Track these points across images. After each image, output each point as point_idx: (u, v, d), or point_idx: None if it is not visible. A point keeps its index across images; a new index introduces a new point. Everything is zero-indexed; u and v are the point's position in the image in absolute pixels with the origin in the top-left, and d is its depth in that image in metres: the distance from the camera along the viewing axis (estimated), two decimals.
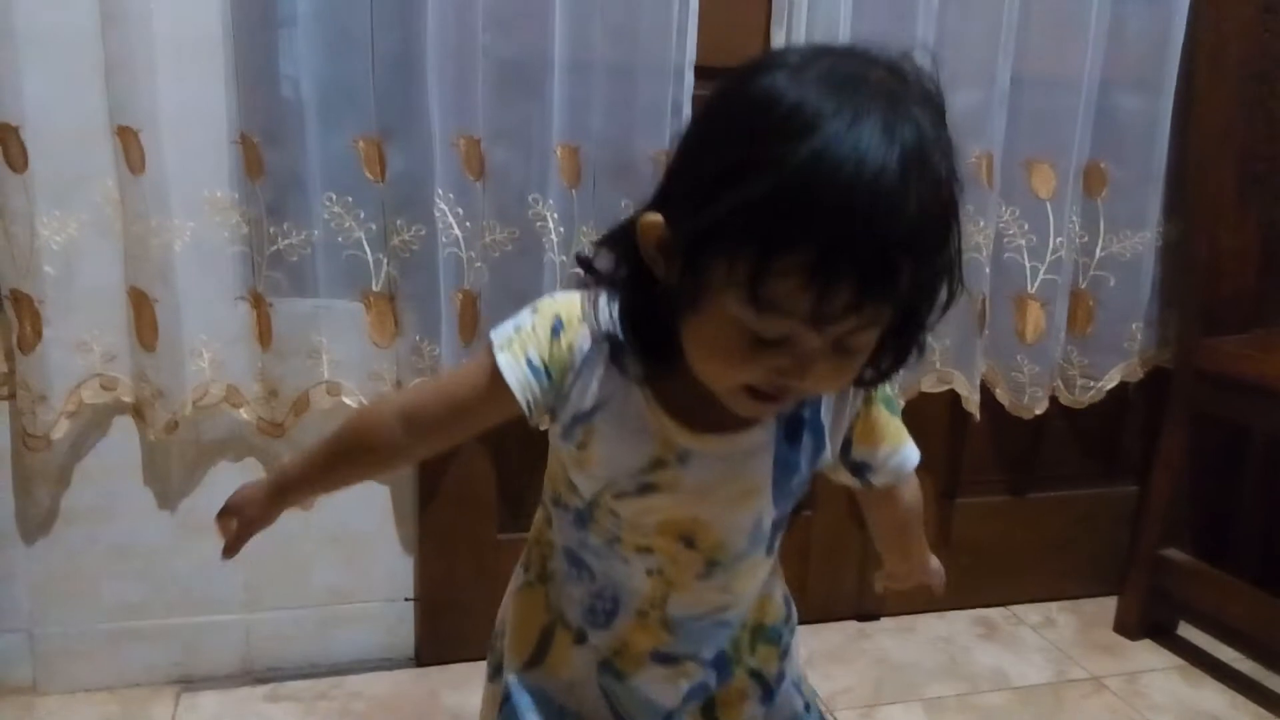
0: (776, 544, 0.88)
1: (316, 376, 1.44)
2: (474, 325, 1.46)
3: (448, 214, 1.40)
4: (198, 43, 1.33)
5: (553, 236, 1.45)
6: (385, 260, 1.43)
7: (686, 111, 1.46)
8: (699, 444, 0.77)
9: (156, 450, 1.46)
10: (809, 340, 0.64)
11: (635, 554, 0.82)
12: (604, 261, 0.74)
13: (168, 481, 1.49)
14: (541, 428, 0.83)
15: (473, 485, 1.59)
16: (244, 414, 1.45)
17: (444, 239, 1.40)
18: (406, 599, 1.62)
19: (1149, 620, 1.80)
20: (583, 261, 0.76)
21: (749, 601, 0.89)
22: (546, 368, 0.77)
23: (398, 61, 1.36)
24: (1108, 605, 1.85)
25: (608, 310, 0.75)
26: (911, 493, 0.92)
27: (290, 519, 1.54)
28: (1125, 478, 1.91)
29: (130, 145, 1.30)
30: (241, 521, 0.92)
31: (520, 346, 0.77)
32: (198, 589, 1.53)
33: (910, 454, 0.87)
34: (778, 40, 1.49)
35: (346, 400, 1.46)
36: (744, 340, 0.64)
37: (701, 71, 1.45)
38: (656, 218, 0.68)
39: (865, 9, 1.49)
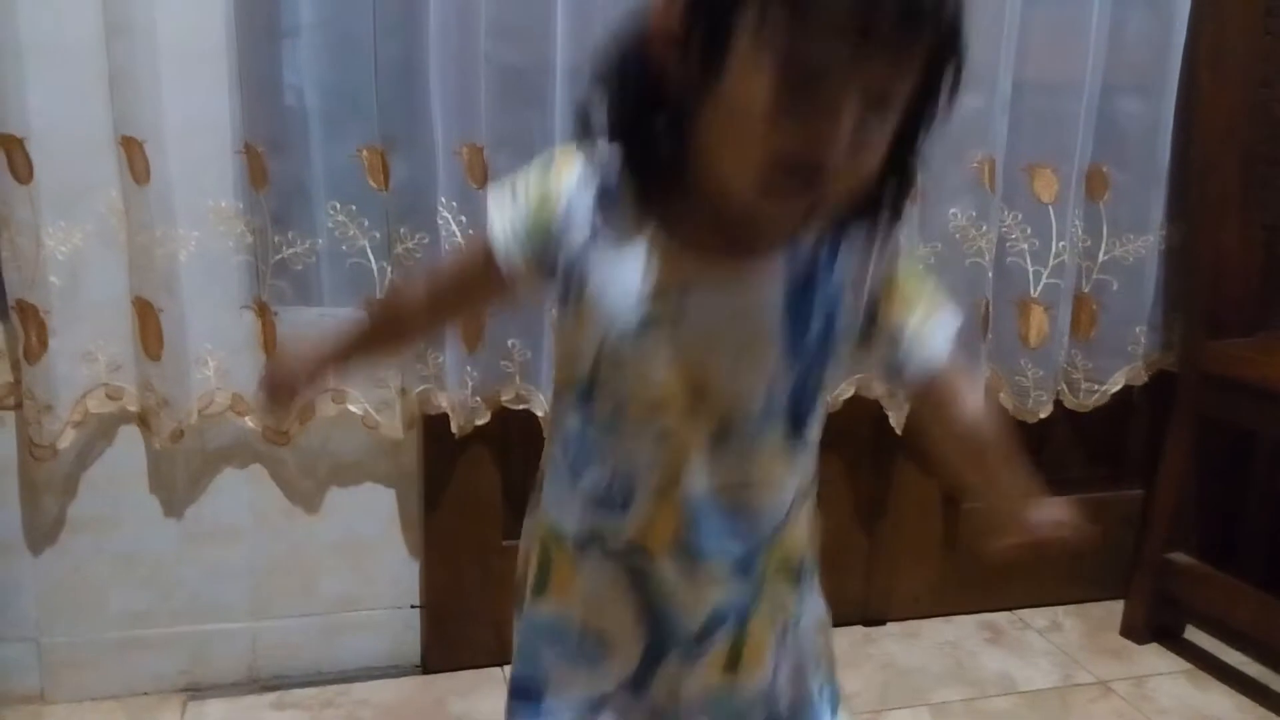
0: (800, 441, 0.82)
1: (322, 384, 1.45)
2: (478, 334, 1.46)
3: (451, 222, 1.40)
4: (202, 53, 1.34)
5: None
6: (389, 268, 1.43)
7: None
8: (702, 269, 0.75)
9: (162, 459, 1.47)
10: (848, 74, 0.63)
11: (644, 417, 0.78)
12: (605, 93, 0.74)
13: (173, 490, 1.49)
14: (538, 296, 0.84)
15: (477, 491, 1.59)
16: (249, 422, 1.45)
17: (447, 246, 1.40)
18: (413, 606, 1.63)
19: (1156, 624, 1.80)
20: (583, 110, 0.76)
21: (775, 502, 0.83)
22: (531, 234, 0.78)
23: (401, 70, 1.37)
24: (1114, 609, 1.85)
25: (605, 146, 0.76)
26: (974, 410, 0.83)
27: (296, 527, 1.56)
28: (1130, 481, 1.91)
29: (135, 156, 1.31)
30: (297, 377, 0.93)
31: (510, 217, 0.79)
32: (204, 597, 1.53)
33: (942, 331, 0.81)
34: None
35: (351, 408, 1.47)
36: (777, 90, 0.64)
37: None
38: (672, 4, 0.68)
39: None
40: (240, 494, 1.51)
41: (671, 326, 0.76)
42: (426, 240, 1.40)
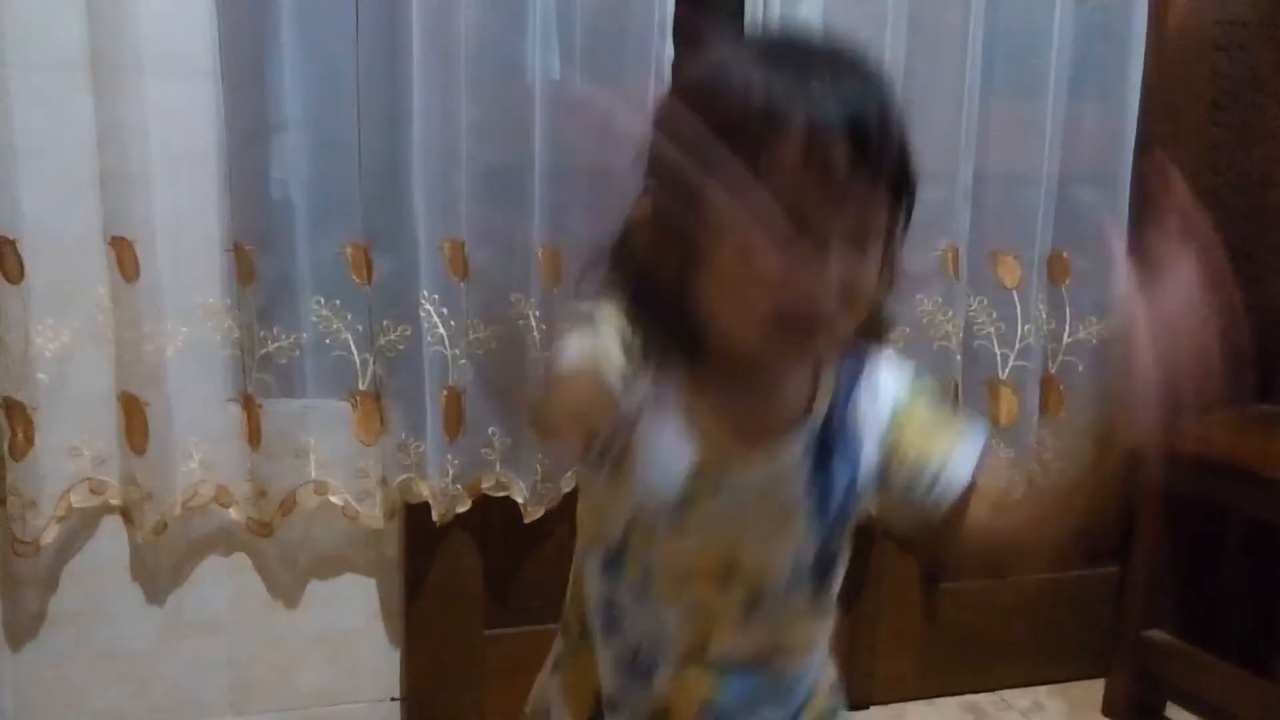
0: (825, 600, 0.83)
1: (304, 475, 1.47)
2: (459, 422, 1.49)
3: (433, 314, 1.44)
4: (192, 154, 1.38)
5: (535, 334, 1.48)
6: (371, 360, 1.46)
7: None
8: (736, 448, 0.77)
9: (143, 552, 1.47)
10: (819, 226, 0.68)
11: (669, 602, 0.79)
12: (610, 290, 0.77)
13: (154, 583, 1.49)
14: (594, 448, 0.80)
15: (459, 580, 1.59)
16: (233, 513, 1.46)
17: (429, 338, 1.44)
18: (393, 699, 1.62)
19: (1136, 702, 1.80)
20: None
21: (805, 669, 0.84)
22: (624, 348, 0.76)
23: (384, 169, 1.41)
24: (1095, 688, 1.85)
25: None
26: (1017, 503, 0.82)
27: (277, 619, 1.55)
28: (1106, 559, 1.93)
29: (125, 255, 1.34)
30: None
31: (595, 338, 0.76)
32: (184, 692, 1.52)
33: (964, 458, 0.79)
34: None
35: (333, 499, 1.48)
36: (758, 252, 0.67)
37: None
38: (647, 198, 0.74)
39: None
40: (221, 586, 1.51)
41: (706, 505, 0.77)
42: (408, 332, 1.44)
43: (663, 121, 0.76)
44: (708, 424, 0.77)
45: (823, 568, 0.81)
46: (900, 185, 0.73)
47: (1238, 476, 1.60)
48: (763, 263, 0.68)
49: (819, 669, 0.86)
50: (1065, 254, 1.73)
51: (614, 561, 0.81)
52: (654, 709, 0.81)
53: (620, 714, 0.83)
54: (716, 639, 0.80)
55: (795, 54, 0.73)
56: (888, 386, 0.81)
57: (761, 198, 0.67)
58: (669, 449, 0.77)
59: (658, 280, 0.74)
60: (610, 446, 0.77)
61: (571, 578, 0.88)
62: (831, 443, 0.79)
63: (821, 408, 0.79)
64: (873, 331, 0.80)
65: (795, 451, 0.78)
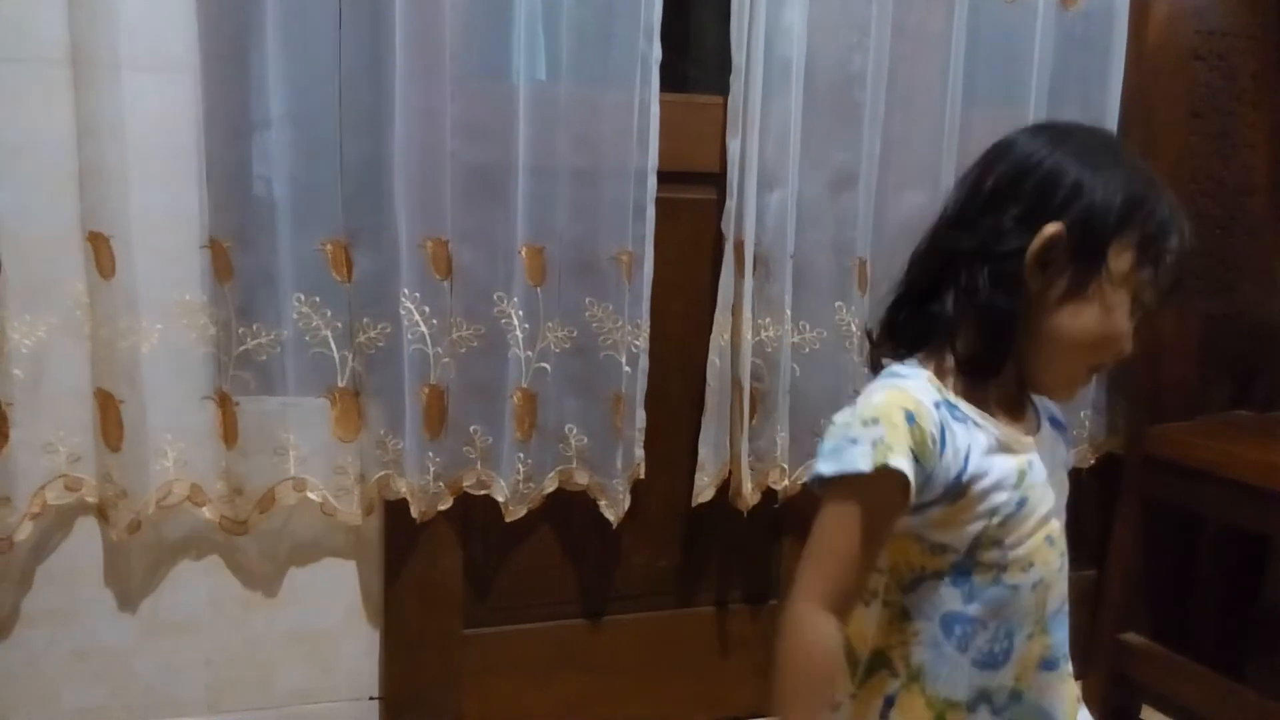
0: None
1: (283, 472, 1.46)
2: (441, 419, 1.48)
3: (414, 312, 1.43)
4: (172, 150, 1.37)
5: (518, 333, 1.49)
6: (351, 357, 1.45)
7: (649, 212, 1.52)
8: (1024, 441, 0.93)
9: (119, 550, 1.46)
10: (1155, 298, 0.89)
11: (1021, 574, 0.92)
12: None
13: (130, 581, 1.48)
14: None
15: (438, 579, 1.59)
16: (206, 513, 1.45)
17: (410, 336, 1.43)
18: (371, 698, 1.61)
19: (1112, 705, 1.81)
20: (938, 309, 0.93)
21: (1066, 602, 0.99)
22: (916, 457, 0.86)
23: (365, 166, 1.41)
24: None
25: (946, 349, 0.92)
26: None
27: (254, 618, 1.55)
28: (1083, 562, 1.94)
29: (101, 251, 1.33)
30: None
31: (890, 447, 0.85)
32: (159, 691, 1.51)
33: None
34: (733, 147, 1.54)
35: (311, 495, 1.47)
36: (1124, 313, 0.88)
37: (663, 175, 1.52)
38: (1057, 227, 0.87)
39: (813, 117, 1.57)
40: (197, 585, 1.50)
41: (1029, 491, 0.91)
42: (388, 330, 1.43)
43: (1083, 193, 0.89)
44: (1003, 426, 0.91)
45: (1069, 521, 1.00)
46: None
47: (1213, 482, 1.61)
48: (1116, 330, 0.88)
49: None
50: None
51: (963, 569, 0.91)
52: (1009, 691, 0.94)
53: (982, 708, 0.94)
54: (1050, 600, 0.95)
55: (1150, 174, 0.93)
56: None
57: (1146, 281, 0.87)
58: (994, 458, 0.90)
59: (1005, 316, 0.88)
60: (951, 483, 0.88)
61: (873, 630, 0.95)
62: (1054, 429, 0.99)
63: (1037, 407, 0.99)
64: None
65: (1044, 435, 0.96)
